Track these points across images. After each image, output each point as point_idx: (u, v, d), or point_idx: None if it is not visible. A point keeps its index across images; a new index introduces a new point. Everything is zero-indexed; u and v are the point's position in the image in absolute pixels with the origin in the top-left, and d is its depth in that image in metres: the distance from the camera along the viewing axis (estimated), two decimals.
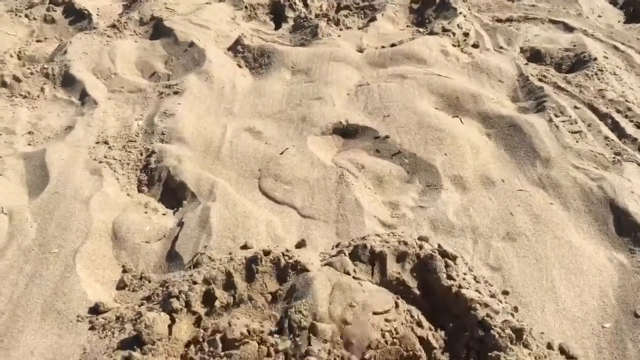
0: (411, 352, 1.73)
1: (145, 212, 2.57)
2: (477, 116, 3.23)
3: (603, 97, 3.30)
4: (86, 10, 4.79)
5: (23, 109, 3.39)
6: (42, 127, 3.21)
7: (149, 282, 2.15)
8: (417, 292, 1.97)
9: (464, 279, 1.99)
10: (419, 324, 1.83)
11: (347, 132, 3.19)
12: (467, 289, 1.92)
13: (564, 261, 2.19)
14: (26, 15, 4.75)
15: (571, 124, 3.05)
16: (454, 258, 2.06)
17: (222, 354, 1.72)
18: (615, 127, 3.05)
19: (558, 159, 2.78)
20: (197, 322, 1.89)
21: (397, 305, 1.88)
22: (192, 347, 1.78)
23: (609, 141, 2.93)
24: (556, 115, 3.12)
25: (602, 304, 2.01)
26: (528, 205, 2.50)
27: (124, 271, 2.21)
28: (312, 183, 2.72)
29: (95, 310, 1.95)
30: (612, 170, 2.68)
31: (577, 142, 2.90)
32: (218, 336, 1.77)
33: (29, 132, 3.15)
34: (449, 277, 1.98)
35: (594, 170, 2.68)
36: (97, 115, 3.28)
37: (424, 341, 1.79)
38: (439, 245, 2.15)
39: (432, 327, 1.84)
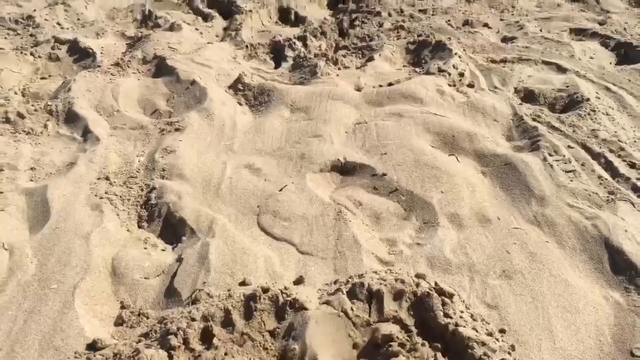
0: None
1: (145, 248, 2.59)
2: (473, 154, 3.29)
3: (596, 137, 3.36)
4: (90, 49, 4.91)
5: (26, 145, 3.44)
6: (44, 163, 3.25)
7: (147, 318, 2.15)
8: (414, 330, 1.97)
9: (460, 317, 2.00)
10: None
11: (345, 170, 3.24)
12: (464, 327, 1.93)
13: (560, 299, 2.20)
14: (31, 53, 4.86)
15: (565, 163, 3.11)
16: (450, 296, 2.08)
17: None
18: (609, 167, 3.10)
19: (553, 197, 2.82)
20: None
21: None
22: None
23: (602, 180, 2.98)
24: (550, 155, 3.18)
25: (599, 343, 2.02)
26: (524, 243, 2.53)
27: (122, 307, 2.22)
28: (311, 220, 2.75)
29: (93, 347, 1.96)
30: (606, 209, 2.72)
31: (571, 181, 2.95)
32: None
33: (31, 168, 3.19)
34: (446, 315, 1.99)
35: (588, 209, 2.72)
36: (99, 151, 3.33)
37: None
38: (436, 283, 2.17)
39: None
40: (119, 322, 2.16)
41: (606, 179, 2.99)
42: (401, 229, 2.73)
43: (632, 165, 3.09)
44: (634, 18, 5.72)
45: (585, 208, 2.73)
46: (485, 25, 5.65)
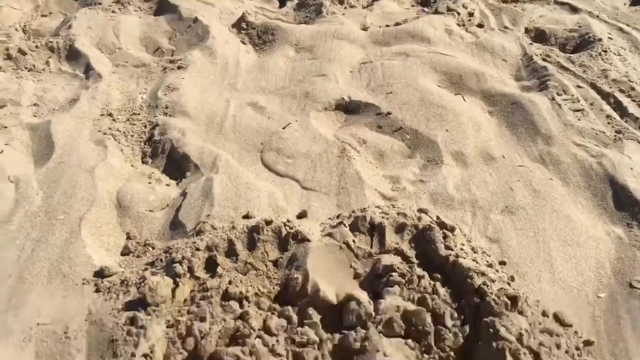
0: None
1: (149, 183, 2.60)
2: (480, 94, 3.24)
3: (606, 77, 3.30)
4: None
5: (28, 81, 3.41)
6: (47, 99, 3.23)
7: (153, 248, 2.19)
8: (415, 261, 1.99)
9: (461, 249, 2.02)
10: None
11: (349, 109, 3.20)
12: (465, 258, 1.95)
13: (561, 234, 2.21)
14: None
15: (573, 102, 3.06)
16: (452, 229, 2.09)
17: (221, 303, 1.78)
18: (618, 106, 3.05)
19: (559, 136, 2.80)
20: (200, 287, 1.92)
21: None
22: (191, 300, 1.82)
23: (610, 120, 2.94)
24: (559, 94, 3.13)
25: (598, 275, 2.05)
26: (528, 181, 2.52)
27: (128, 238, 2.25)
28: (314, 157, 2.75)
29: (101, 274, 2.00)
30: (612, 148, 2.70)
31: (578, 120, 2.91)
32: (218, 292, 1.83)
33: (34, 104, 3.17)
34: (447, 247, 2.01)
35: (595, 148, 2.69)
36: (102, 88, 3.30)
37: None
38: (438, 217, 2.18)
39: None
40: (126, 252, 2.19)
41: (614, 119, 2.94)
42: (405, 166, 2.72)
43: None
44: None
45: (591, 146, 2.70)
46: None
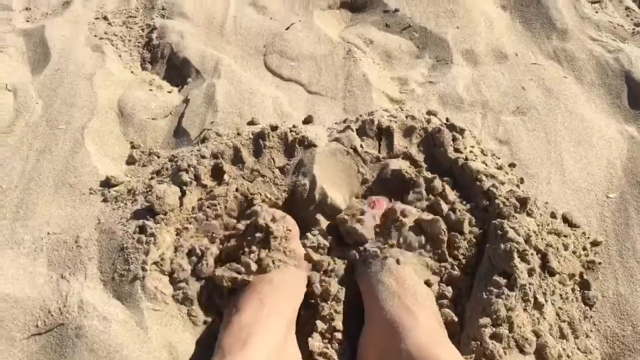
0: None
1: (150, 90, 2.53)
2: None
3: None
4: None
5: None
6: (39, 2, 3.08)
7: (158, 157, 2.17)
8: (424, 165, 1.97)
9: (471, 151, 1.99)
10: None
11: (355, 6, 3.04)
12: (474, 161, 1.92)
13: (573, 134, 2.17)
14: None
15: None
16: (461, 131, 2.05)
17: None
18: None
19: (575, 30, 2.66)
20: (208, 194, 1.92)
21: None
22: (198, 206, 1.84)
23: (630, 12, 2.78)
24: None
25: (609, 176, 2.02)
26: (541, 79, 2.43)
27: (133, 147, 2.23)
28: (319, 59, 2.65)
29: (107, 183, 1.99)
30: (630, 42, 2.57)
31: (596, 12, 2.76)
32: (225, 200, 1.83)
33: (26, 9, 3.03)
34: (456, 150, 1.98)
35: (612, 42, 2.57)
36: None
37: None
38: (447, 119, 2.13)
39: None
40: (131, 161, 2.18)
41: (634, 11, 2.79)
42: (413, 67, 2.62)
43: None
44: None
45: (608, 41, 2.58)
46: None
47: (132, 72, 2.65)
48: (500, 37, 2.70)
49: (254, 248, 1.68)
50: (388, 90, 2.47)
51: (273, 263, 1.62)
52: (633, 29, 2.65)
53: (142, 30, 2.88)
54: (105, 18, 2.92)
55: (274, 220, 1.74)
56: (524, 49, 2.63)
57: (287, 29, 2.85)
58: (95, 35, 2.78)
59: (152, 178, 2.02)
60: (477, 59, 2.59)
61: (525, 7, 2.86)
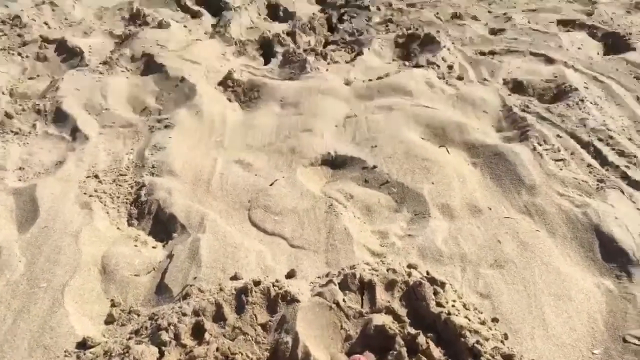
0: None
1: (135, 245, 2.57)
2: (463, 145, 3.29)
3: (585, 126, 3.37)
4: (78, 48, 4.86)
5: (14, 145, 3.41)
6: (33, 162, 3.22)
7: (138, 315, 2.14)
8: (407, 320, 1.96)
9: (453, 305, 2.00)
10: None
11: (335, 163, 3.23)
12: (457, 315, 1.93)
13: (552, 288, 2.20)
14: (19, 54, 4.82)
15: (554, 152, 3.12)
16: (442, 285, 2.08)
17: None
18: (598, 155, 3.11)
19: (543, 186, 2.83)
20: (187, 355, 1.87)
21: None
22: None
23: (592, 169, 2.98)
24: (539, 144, 3.18)
25: (591, 330, 2.03)
26: (515, 233, 2.53)
27: (113, 305, 2.20)
28: (302, 213, 2.74)
29: (83, 345, 1.94)
30: (596, 197, 2.73)
31: (560, 169, 2.96)
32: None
33: (20, 168, 3.16)
34: (438, 304, 1.99)
35: (578, 197, 2.72)
36: (88, 150, 3.31)
37: None
38: (428, 273, 2.17)
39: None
40: (110, 320, 2.14)
41: (595, 167, 2.99)
42: (393, 220, 2.72)
43: (621, 154, 3.09)
44: (620, 8, 5.74)
45: (575, 196, 2.73)
46: (474, 17, 5.65)
47: (118, 228, 2.70)
48: (473, 192, 2.85)
49: None
50: (369, 244, 2.53)
51: None
52: (597, 184, 2.83)
53: (132, 187, 3.00)
54: (96, 176, 3.04)
55: None
56: (496, 204, 2.77)
57: (271, 184, 2.99)
58: (84, 193, 2.88)
59: (130, 338, 1.97)
60: (453, 213, 2.71)
61: (494, 165, 3.06)
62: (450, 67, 4.38)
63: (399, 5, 6.07)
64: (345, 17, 5.75)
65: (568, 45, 4.77)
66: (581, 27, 5.19)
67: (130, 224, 2.76)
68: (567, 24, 5.32)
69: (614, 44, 4.78)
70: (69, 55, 4.85)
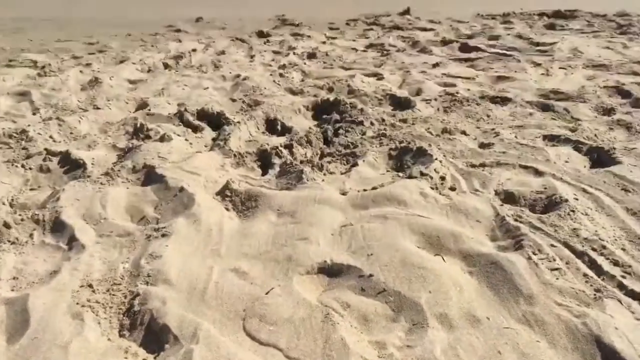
0: None
1: (125, 358, 2.49)
2: (459, 254, 3.32)
3: (578, 236, 3.42)
4: (81, 160, 5.02)
5: (10, 254, 3.41)
6: (27, 272, 3.21)
7: None
8: None
9: None
10: None
11: (331, 272, 3.22)
12: None
13: None
14: (22, 165, 4.96)
15: (550, 261, 3.14)
16: None
17: None
18: (593, 265, 3.13)
19: (541, 295, 2.82)
20: None
21: None
22: None
23: (588, 278, 2.99)
24: (534, 253, 3.21)
25: None
26: (515, 343, 2.48)
27: None
28: (298, 323, 2.70)
29: None
30: (594, 307, 2.71)
31: (557, 279, 2.96)
32: None
33: (14, 278, 3.14)
34: None
35: (577, 307, 2.70)
36: (84, 259, 3.31)
37: None
38: None
39: None
40: None
41: (592, 277, 3.00)
42: (390, 330, 2.67)
43: (616, 263, 3.12)
44: (603, 125, 6.04)
45: (573, 306, 2.72)
46: (463, 132, 5.92)
47: (109, 339, 2.63)
48: (470, 301, 2.83)
49: None
50: (366, 354, 2.47)
51: None
52: (594, 294, 2.82)
53: (125, 297, 2.96)
54: (90, 286, 3.02)
55: None
56: (494, 313, 2.74)
57: (267, 293, 2.96)
58: (77, 303, 2.84)
59: None
60: (452, 323, 2.67)
61: (490, 273, 3.06)
62: (442, 178, 4.52)
63: (392, 121, 6.37)
64: (340, 131, 6.01)
65: (555, 158, 4.96)
66: (566, 142, 5.43)
67: (121, 335, 2.70)
68: (553, 139, 5.56)
69: (600, 158, 4.98)
70: (72, 167, 4.99)
